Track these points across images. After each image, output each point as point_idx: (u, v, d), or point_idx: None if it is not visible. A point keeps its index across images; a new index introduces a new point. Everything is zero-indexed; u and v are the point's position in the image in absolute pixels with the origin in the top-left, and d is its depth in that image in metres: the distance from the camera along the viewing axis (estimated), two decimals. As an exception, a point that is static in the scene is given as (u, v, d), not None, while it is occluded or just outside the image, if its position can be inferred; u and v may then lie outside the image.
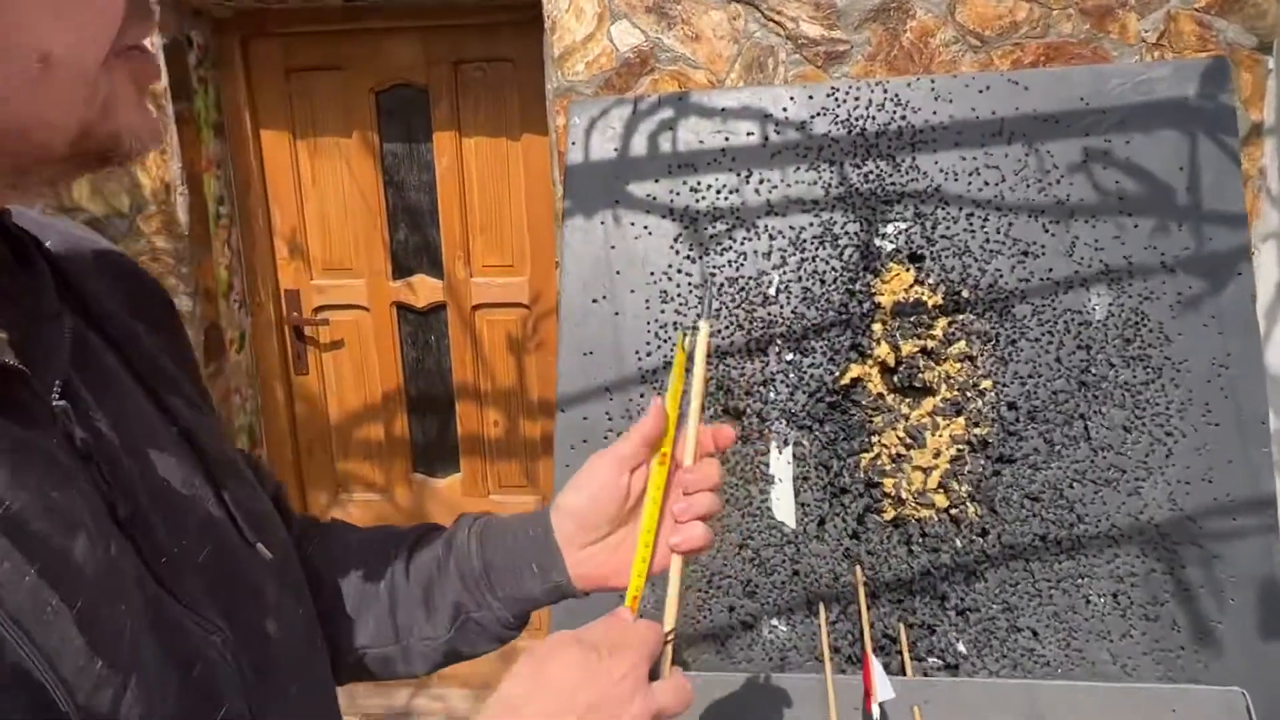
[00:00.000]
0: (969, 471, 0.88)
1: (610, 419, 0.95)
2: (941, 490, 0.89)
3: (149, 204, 1.74)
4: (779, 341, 0.93)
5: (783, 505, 0.91)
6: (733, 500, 0.91)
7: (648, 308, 0.96)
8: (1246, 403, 0.82)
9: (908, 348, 0.91)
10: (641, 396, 0.94)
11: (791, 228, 0.94)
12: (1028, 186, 0.91)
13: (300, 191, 1.97)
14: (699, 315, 0.95)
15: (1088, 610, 0.83)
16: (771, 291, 0.94)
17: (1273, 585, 0.79)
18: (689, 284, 0.95)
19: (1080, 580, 0.83)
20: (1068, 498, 0.85)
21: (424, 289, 2.01)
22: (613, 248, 0.97)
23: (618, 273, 0.97)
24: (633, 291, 0.96)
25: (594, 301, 0.97)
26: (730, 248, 0.95)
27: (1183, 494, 0.82)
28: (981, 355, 0.89)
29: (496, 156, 1.91)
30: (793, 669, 0.88)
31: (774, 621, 0.90)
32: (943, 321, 0.90)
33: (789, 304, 0.93)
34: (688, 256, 0.96)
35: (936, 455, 0.89)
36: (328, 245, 2.00)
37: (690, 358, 0.53)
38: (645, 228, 0.97)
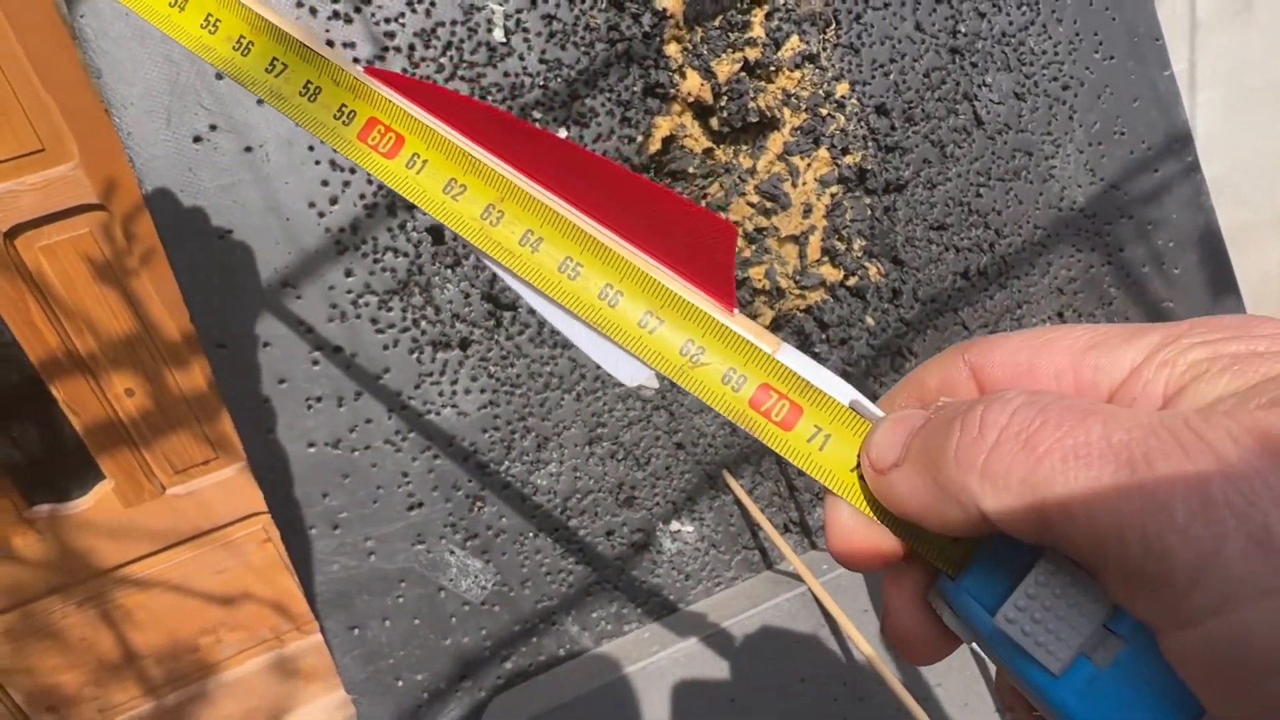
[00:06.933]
0: (854, 220, 0.67)
1: (309, 330, 0.59)
2: (828, 259, 0.68)
3: None
4: (536, 115, 0.62)
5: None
6: (549, 379, 0.63)
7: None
8: (1136, 17, 0.69)
9: (724, 68, 0.64)
10: (349, 275, 0.59)
11: (492, -83, 0.60)
12: None
13: None
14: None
15: (1037, 343, 0.70)
16: (497, 35, 0.61)
17: (1210, 238, 0.71)
18: (356, 60, 0.59)
19: (1020, 310, 0.69)
20: (978, 210, 0.68)
21: (-96, 235, 1.33)
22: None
23: (220, 77, 0.57)
24: (261, 102, 0.57)
25: (195, 142, 0.57)
26: (403, -23, 0.59)
27: (1098, 159, 0.69)
28: (825, 49, 0.66)
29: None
30: (723, 579, 0.67)
31: (675, 525, 0.66)
32: (759, 13, 0.65)
33: (532, 50, 0.61)
34: (335, 14, 0.58)
35: (808, 213, 0.67)
36: None
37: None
38: (236, -23, 0.56)
